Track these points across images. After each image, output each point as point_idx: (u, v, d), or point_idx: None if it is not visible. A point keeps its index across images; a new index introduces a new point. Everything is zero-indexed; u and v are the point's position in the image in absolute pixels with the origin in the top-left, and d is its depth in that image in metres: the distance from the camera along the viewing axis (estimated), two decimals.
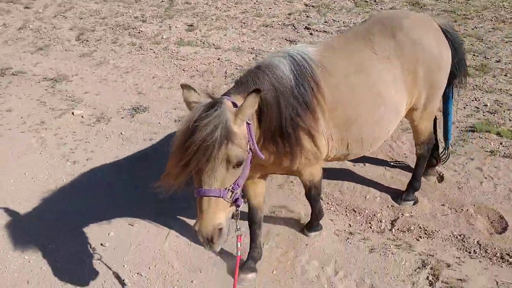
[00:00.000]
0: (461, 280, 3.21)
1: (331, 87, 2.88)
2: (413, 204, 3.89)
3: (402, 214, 3.82)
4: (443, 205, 3.87)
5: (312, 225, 3.66)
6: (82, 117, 5.62)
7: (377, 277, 3.30)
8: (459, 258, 3.40)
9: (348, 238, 3.65)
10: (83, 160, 4.81)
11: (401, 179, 4.17)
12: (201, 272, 3.40)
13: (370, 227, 3.76)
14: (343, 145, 3.12)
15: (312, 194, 3.34)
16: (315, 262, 3.45)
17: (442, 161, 4.12)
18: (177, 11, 8.84)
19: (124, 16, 8.93)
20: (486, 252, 3.43)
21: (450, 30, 3.48)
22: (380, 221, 3.80)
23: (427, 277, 3.26)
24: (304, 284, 3.28)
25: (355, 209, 3.93)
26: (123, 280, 3.35)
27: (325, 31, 7.14)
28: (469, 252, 3.45)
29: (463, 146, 4.45)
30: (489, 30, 6.96)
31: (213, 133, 2.13)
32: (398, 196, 3.97)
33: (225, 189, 2.28)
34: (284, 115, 2.61)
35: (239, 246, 2.60)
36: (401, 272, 3.32)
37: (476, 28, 7.04)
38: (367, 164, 4.40)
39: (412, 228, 3.69)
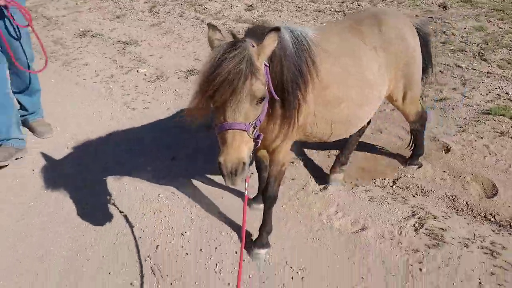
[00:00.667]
0: (442, 229, 3.66)
1: (326, 66, 2.99)
2: (417, 168, 4.37)
3: (405, 175, 4.31)
4: (444, 172, 4.30)
5: (261, 240, 3.50)
6: (145, 75, 6.50)
7: (370, 219, 3.82)
8: (446, 213, 3.85)
9: (352, 188, 4.20)
10: (141, 108, 5.66)
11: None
12: (222, 198, 4.11)
13: (374, 183, 4.27)
14: (327, 125, 3.24)
15: (274, 189, 3.30)
16: (320, 203, 4.04)
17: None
18: None
19: None
20: (472, 211, 3.85)
21: (422, 29, 3.85)
22: (384, 179, 4.31)
23: (414, 224, 3.73)
24: (307, 218, 3.86)
25: (364, 168, 4.47)
26: (159, 195, 4.13)
27: None
28: (457, 210, 3.89)
29: (475, 126, 4.84)
30: None
31: (239, 66, 2.20)
32: (404, 161, 4.46)
33: (249, 123, 2.32)
34: (285, 75, 2.64)
35: (246, 186, 2.67)
36: (392, 218, 3.82)
37: None
38: (382, 133, 4.91)
39: (411, 186, 4.17)
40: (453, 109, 5.12)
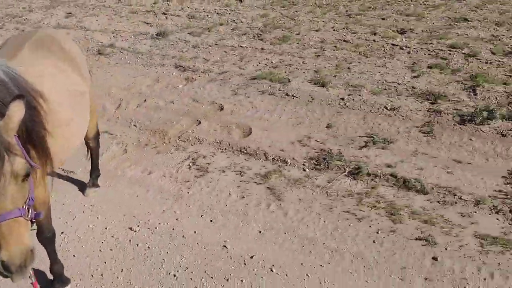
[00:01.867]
0: (208, 163, 4.84)
1: (46, 89, 2.73)
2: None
3: (187, 131, 5.45)
4: (217, 125, 5.51)
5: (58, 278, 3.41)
6: None
7: (156, 167, 4.82)
8: (213, 153, 5.04)
9: (144, 147, 5.23)
10: None
11: None
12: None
13: (163, 142, 5.34)
14: (66, 144, 3.06)
15: (51, 226, 3.13)
16: (116, 161, 4.99)
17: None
18: (61, 2, 10.19)
19: (14, 7, 10.17)
20: (232, 148, 5.05)
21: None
22: (170, 137, 5.38)
23: (188, 164, 4.87)
24: (104, 171, 4.78)
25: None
26: None
27: (178, 15, 8.80)
28: (221, 150, 5.08)
29: (244, 89, 6.18)
30: None
31: None
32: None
33: (22, 207, 2.03)
34: (27, 123, 2.28)
35: (31, 272, 2.29)
36: (173, 163, 4.85)
37: None
38: None
39: (190, 138, 5.30)
40: (230, 78, 6.44)
